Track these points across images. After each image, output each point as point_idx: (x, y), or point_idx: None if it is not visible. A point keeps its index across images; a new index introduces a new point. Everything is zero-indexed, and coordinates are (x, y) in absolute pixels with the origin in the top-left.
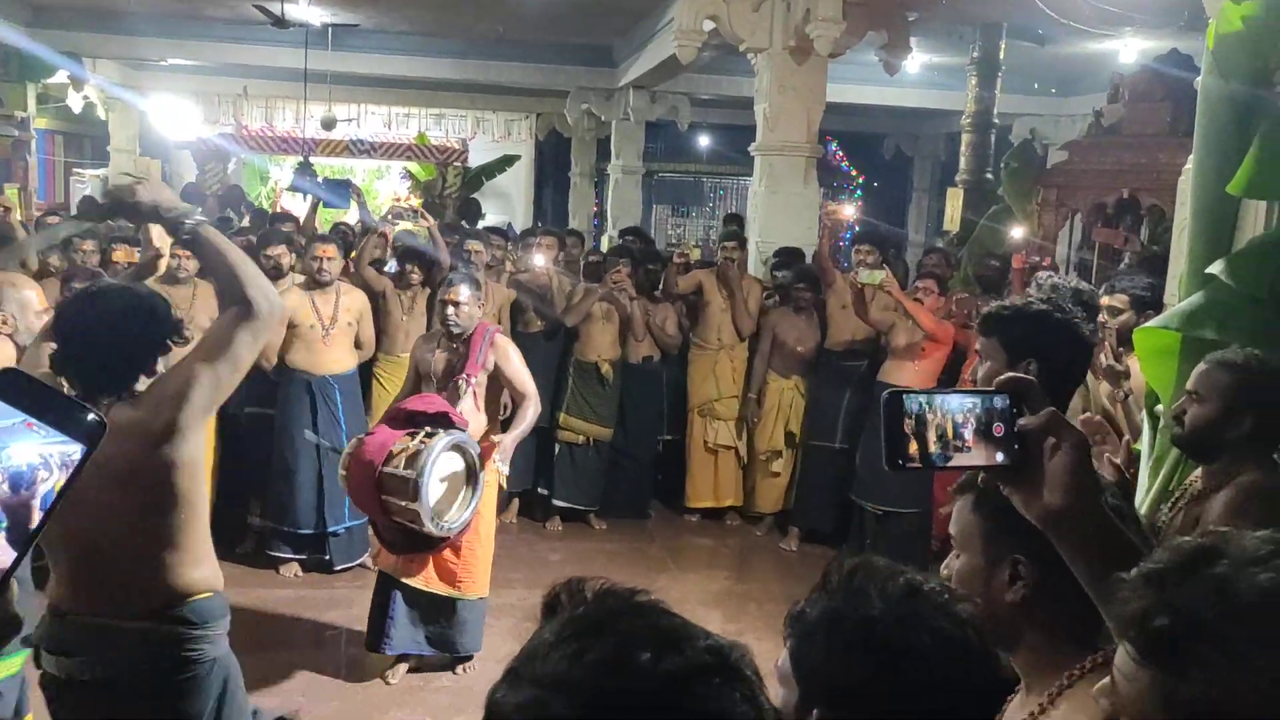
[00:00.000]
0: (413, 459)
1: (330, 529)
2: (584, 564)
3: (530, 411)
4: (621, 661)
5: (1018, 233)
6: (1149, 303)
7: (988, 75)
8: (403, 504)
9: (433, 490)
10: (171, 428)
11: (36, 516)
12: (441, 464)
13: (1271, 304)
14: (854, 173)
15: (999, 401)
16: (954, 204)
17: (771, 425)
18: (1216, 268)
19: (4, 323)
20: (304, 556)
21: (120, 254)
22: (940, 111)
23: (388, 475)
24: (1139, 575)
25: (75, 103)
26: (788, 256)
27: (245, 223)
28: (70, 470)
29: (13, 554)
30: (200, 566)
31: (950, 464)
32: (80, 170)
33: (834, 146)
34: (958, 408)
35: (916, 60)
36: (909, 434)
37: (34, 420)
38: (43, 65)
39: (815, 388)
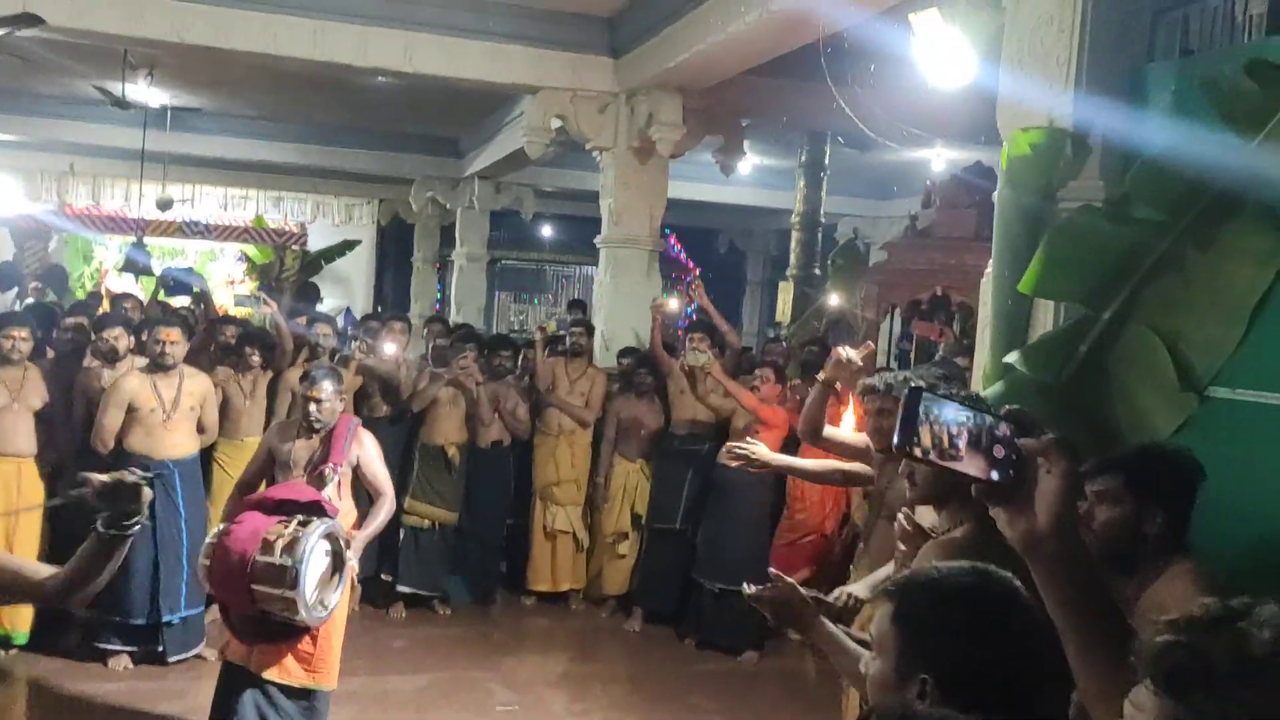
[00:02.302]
0: (290, 547)
1: (164, 619)
2: (428, 650)
3: (385, 510)
4: None
5: (834, 300)
6: None
7: (814, 178)
8: (277, 593)
9: (309, 579)
10: None
11: None
12: (318, 552)
13: (1061, 390)
14: (691, 265)
15: (1003, 428)
16: (785, 297)
17: (618, 508)
18: (1013, 358)
19: None
20: (135, 648)
21: None
22: (771, 209)
23: (262, 564)
24: (1167, 621)
25: None
26: (632, 353)
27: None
28: None
29: None
30: None
31: (948, 464)
32: None
33: (673, 240)
34: (953, 419)
35: (749, 162)
36: (920, 428)
37: None
38: None
39: (659, 470)
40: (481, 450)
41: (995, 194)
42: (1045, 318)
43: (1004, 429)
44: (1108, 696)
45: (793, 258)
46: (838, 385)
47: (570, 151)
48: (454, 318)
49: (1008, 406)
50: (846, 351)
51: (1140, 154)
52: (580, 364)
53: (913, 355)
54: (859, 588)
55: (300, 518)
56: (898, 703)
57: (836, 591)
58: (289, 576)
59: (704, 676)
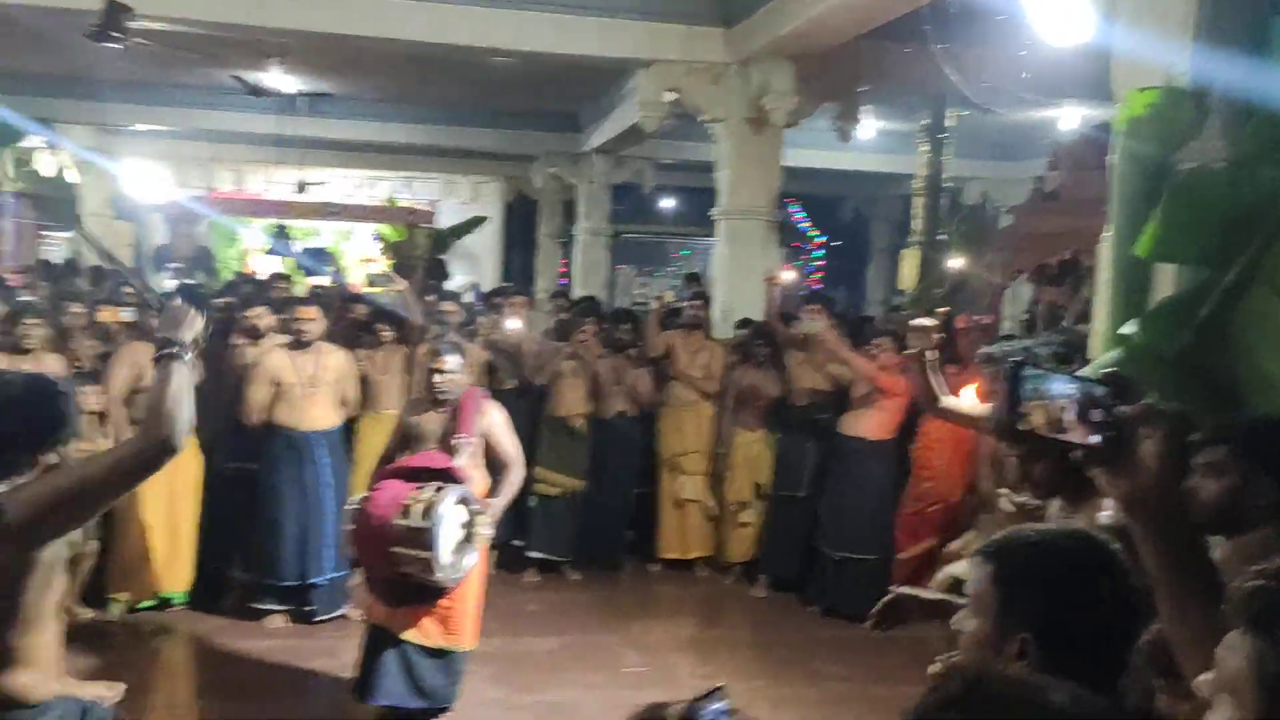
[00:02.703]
0: (426, 511)
1: (313, 580)
2: (560, 614)
3: (515, 476)
4: None
5: (956, 266)
6: (1061, 357)
7: (937, 141)
8: (414, 554)
9: (444, 541)
10: (33, 531)
11: None
12: (452, 516)
13: (1181, 356)
14: (815, 233)
15: (1099, 391)
16: (908, 264)
17: (739, 477)
18: (1129, 328)
19: None
20: (287, 608)
21: (105, 314)
22: (896, 175)
23: (401, 527)
24: (1256, 569)
25: (46, 166)
26: (749, 324)
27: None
28: None
29: None
30: (23, 674)
31: (1058, 436)
32: (48, 233)
33: (795, 208)
34: (1060, 392)
35: (871, 126)
36: (1023, 407)
37: None
38: (15, 130)
39: (782, 440)
40: (606, 421)
41: (1111, 156)
42: (1165, 281)
43: (1101, 393)
44: (1198, 644)
45: (916, 223)
46: (960, 356)
47: (689, 123)
48: (577, 292)
49: (1105, 370)
50: (921, 321)
51: (1264, 110)
52: (698, 336)
53: (1040, 321)
54: (960, 568)
55: (436, 484)
56: (976, 665)
57: (941, 574)
58: (425, 538)
59: (828, 642)
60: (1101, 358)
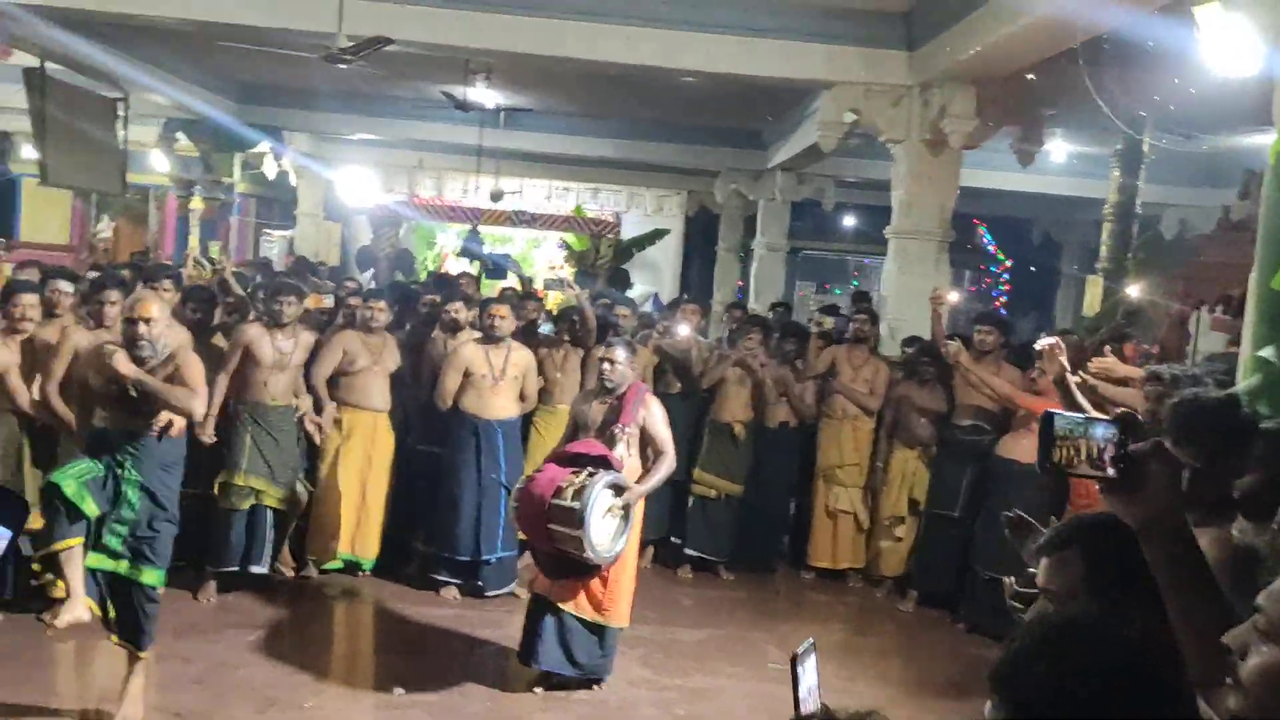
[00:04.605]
0: (578, 493)
1: (485, 557)
2: (711, 609)
3: (664, 468)
4: None
5: (1134, 294)
6: (1223, 384)
7: (1131, 165)
8: (567, 532)
9: (594, 521)
10: None
11: None
12: (602, 499)
13: None
14: (1001, 255)
15: (1112, 430)
16: (1094, 290)
17: (895, 492)
18: (1267, 352)
19: None
20: (460, 581)
21: (311, 300)
22: (1089, 199)
23: (556, 506)
24: None
25: (270, 170)
26: (916, 341)
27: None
28: None
29: None
30: None
31: (1096, 474)
32: (269, 230)
33: (982, 229)
34: (1101, 436)
35: (1063, 149)
36: (1057, 446)
37: None
38: (248, 138)
39: (939, 458)
40: (769, 429)
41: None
42: None
43: (1114, 432)
44: (1204, 638)
45: (1103, 250)
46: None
47: (871, 141)
48: (753, 306)
49: (1119, 410)
50: (1044, 341)
51: None
52: (862, 351)
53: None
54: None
55: (590, 469)
56: (1063, 612)
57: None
58: (576, 518)
59: (974, 660)
60: (1243, 383)
